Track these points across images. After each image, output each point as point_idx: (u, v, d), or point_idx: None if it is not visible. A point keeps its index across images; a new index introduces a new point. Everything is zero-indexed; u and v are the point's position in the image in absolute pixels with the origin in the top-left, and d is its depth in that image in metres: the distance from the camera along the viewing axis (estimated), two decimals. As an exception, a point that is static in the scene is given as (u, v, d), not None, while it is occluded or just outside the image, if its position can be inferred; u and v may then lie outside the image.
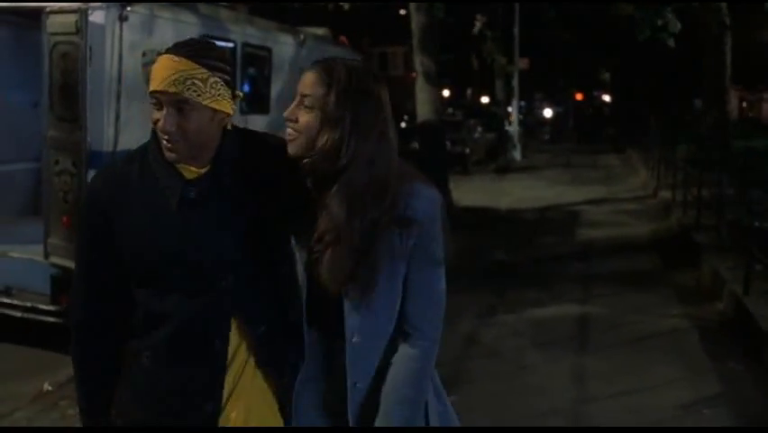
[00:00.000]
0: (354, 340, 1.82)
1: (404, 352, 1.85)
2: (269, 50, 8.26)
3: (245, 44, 7.72)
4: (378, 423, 1.83)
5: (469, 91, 45.49)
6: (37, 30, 5.87)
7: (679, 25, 11.03)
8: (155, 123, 1.81)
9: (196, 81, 1.81)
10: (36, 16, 5.78)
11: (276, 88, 8.43)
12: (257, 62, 8.18)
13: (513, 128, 26.10)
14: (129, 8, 5.73)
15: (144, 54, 5.90)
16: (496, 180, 19.18)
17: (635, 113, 31.51)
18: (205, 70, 1.82)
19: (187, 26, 6.58)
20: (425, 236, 1.81)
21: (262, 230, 1.89)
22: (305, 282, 1.86)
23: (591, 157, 26.10)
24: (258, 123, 7.84)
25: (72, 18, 5.47)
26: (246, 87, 8.07)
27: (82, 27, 5.40)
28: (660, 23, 10.88)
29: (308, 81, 1.79)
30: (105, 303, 1.91)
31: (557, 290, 7.62)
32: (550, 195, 15.61)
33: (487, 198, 15.19)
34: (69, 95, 5.56)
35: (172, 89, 1.79)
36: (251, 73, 8.18)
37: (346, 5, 11.22)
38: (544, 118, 39.51)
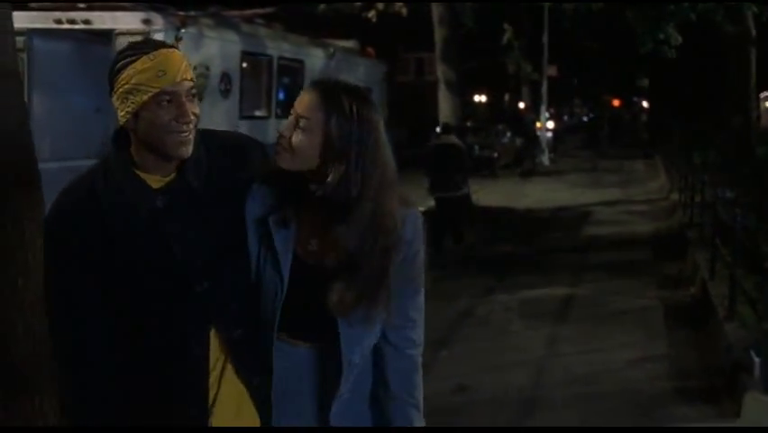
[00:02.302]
0: (350, 355, 1.84)
1: (399, 361, 1.91)
2: (301, 62, 9.39)
3: (280, 57, 8.86)
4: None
5: (506, 96, 46.31)
6: (100, 44, 7.04)
7: (680, 39, 11.88)
8: (174, 119, 1.76)
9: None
10: (106, 35, 6.98)
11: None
12: (290, 73, 9.31)
13: (542, 133, 26.97)
14: (183, 30, 6.90)
15: (195, 68, 7.06)
16: (519, 183, 20.07)
17: (666, 119, 32.06)
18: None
19: (230, 43, 7.75)
20: (412, 253, 1.86)
21: (233, 232, 1.87)
22: (279, 296, 1.85)
23: (618, 162, 26.78)
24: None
25: (137, 39, 6.64)
26: (281, 95, 9.20)
27: (145, 46, 6.57)
28: (661, 36, 11.73)
29: (307, 103, 1.78)
30: (93, 326, 1.84)
31: (551, 275, 8.60)
32: (567, 196, 16.50)
33: (507, 199, 16.12)
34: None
35: (190, 77, 1.80)
36: (285, 82, 9.31)
37: (374, 17, 12.27)
38: (575, 124, 40.14)
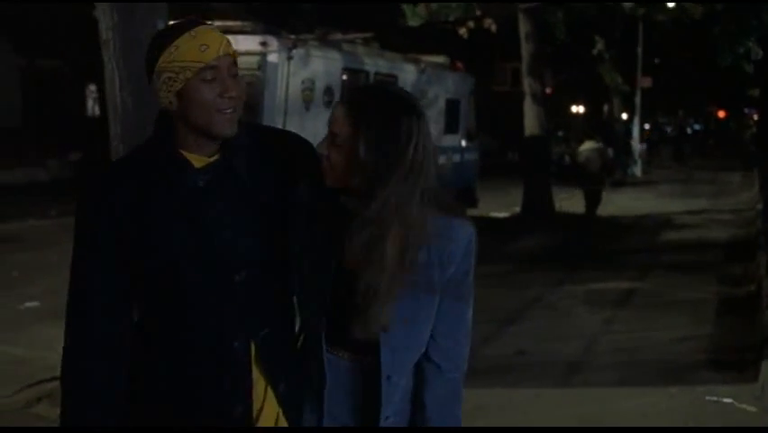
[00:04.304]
0: (390, 376, 1.77)
1: (440, 383, 1.82)
2: (395, 77, 10.49)
3: (376, 72, 9.99)
4: None
5: (606, 107, 46.27)
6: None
7: (761, 52, 12.32)
8: (219, 96, 1.71)
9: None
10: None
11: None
12: (385, 86, 10.43)
13: (635, 144, 27.23)
14: (293, 50, 8.12)
15: (303, 82, 8.28)
16: (608, 193, 20.52)
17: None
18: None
19: (333, 61, 8.94)
20: (461, 271, 1.78)
21: (275, 224, 1.80)
22: (323, 309, 1.77)
23: (714, 174, 26.75)
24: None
25: (255, 58, 7.92)
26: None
27: (262, 65, 7.84)
28: (741, 50, 12.20)
29: (337, 116, 1.72)
30: (114, 318, 1.77)
31: (620, 271, 9.35)
32: (652, 205, 16.97)
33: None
34: (251, 110, 7.99)
35: (231, 51, 1.75)
36: (381, 95, 10.44)
37: (464, 34, 13.25)
38: (669, 135, 39.80)
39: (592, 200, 13.06)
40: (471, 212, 13.08)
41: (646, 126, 37.42)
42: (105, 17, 4.88)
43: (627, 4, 15.98)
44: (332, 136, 1.72)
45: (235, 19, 10.94)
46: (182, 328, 1.78)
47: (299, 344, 1.89)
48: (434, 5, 12.89)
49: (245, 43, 8.20)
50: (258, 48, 7.94)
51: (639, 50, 26.17)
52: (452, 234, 1.76)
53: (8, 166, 15.35)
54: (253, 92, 7.93)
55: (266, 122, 7.87)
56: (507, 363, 5.78)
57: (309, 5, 21.00)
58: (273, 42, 8.10)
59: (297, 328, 1.92)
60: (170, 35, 1.73)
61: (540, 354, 6.04)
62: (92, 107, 22.93)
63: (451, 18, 13.12)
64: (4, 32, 16.37)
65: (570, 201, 16.29)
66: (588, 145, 12.99)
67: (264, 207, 1.81)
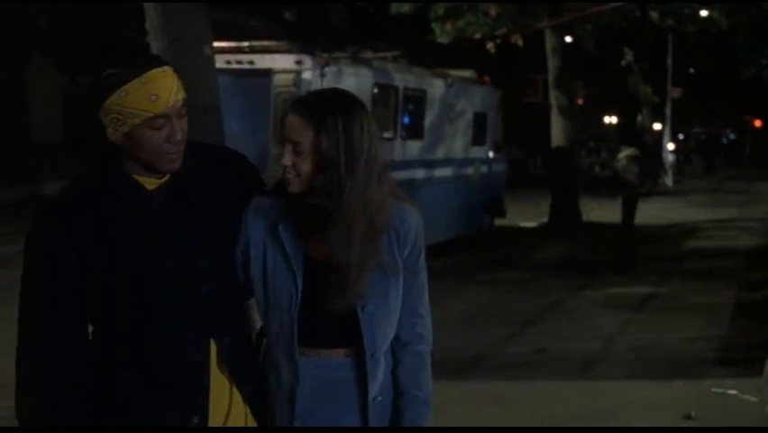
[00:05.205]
0: (374, 353, 1.89)
1: (409, 357, 1.96)
2: (423, 92, 10.96)
3: (406, 87, 10.46)
4: (402, 426, 1.95)
5: (639, 118, 46.28)
6: (251, 78, 8.76)
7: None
8: (165, 140, 1.75)
9: None
10: (266, 73, 8.79)
11: (428, 120, 11.14)
12: (414, 101, 10.89)
13: (665, 155, 27.37)
14: (326, 68, 8.63)
15: (335, 98, 8.79)
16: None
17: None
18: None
19: (364, 77, 9.43)
20: (415, 251, 1.93)
21: (227, 239, 1.87)
22: (294, 301, 1.85)
23: (746, 184, 26.76)
24: (415, 146, 10.66)
25: (291, 76, 8.45)
26: (406, 119, 10.80)
27: (297, 82, 8.36)
28: (765, 61, 12.47)
29: (296, 127, 1.80)
30: (75, 341, 1.79)
31: (640, 277, 9.68)
32: (680, 215, 17.18)
33: (618, 215, 16.99)
34: (287, 125, 8.51)
35: (182, 95, 1.78)
36: (410, 109, 10.90)
37: (492, 48, 13.70)
38: (699, 145, 39.66)
39: (630, 207, 13.47)
40: (500, 222, 13.50)
41: (681, 136, 37.36)
42: (155, 42, 5.44)
43: (654, 15, 16.27)
44: (293, 145, 1.80)
45: (270, 37, 11.53)
46: (142, 343, 1.82)
47: (263, 345, 1.97)
48: (460, 23, 13.35)
49: (281, 62, 8.74)
50: (293, 66, 8.47)
51: (669, 60, 26.41)
52: (405, 216, 1.91)
53: (50, 179, 16.09)
54: (288, 108, 8.44)
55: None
56: (527, 359, 6.19)
57: (342, 23, 21.64)
58: (307, 61, 8.62)
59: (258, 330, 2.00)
60: (121, 78, 1.72)
61: (558, 351, 6.43)
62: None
63: (478, 35, 13.56)
64: (49, 52, 17.15)
65: (598, 211, 16.60)
66: (625, 153, 13.53)
67: (216, 222, 1.87)
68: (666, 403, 5.16)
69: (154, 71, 1.73)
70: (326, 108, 1.80)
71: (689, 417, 4.86)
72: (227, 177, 1.93)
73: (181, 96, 1.78)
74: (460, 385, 5.35)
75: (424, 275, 1.98)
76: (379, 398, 1.92)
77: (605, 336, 6.92)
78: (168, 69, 1.77)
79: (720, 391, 5.35)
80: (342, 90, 1.94)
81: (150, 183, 1.82)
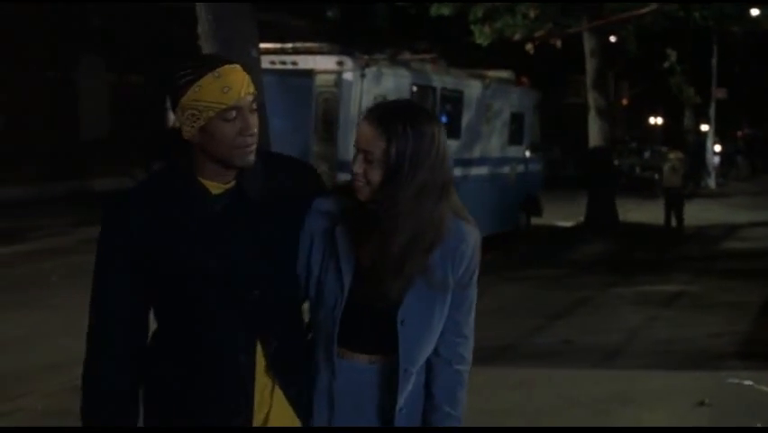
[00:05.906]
0: (406, 362, 1.90)
1: (447, 375, 1.97)
2: (460, 92, 11.26)
3: (443, 88, 10.78)
4: None
5: (685, 118, 45.79)
6: (294, 78, 9.13)
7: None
8: (239, 133, 1.81)
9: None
10: (308, 73, 9.19)
11: (465, 120, 11.45)
12: (451, 101, 11.20)
13: (708, 156, 27.19)
14: (366, 69, 9.00)
15: (375, 98, 9.13)
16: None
17: None
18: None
19: (403, 78, 9.78)
20: (469, 271, 1.94)
21: (285, 245, 1.93)
22: (339, 304, 1.90)
23: (792, 187, 26.49)
24: (452, 145, 10.97)
25: (332, 77, 8.84)
26: (443, 119, 11.12)
27: (338, 82, 8.75)
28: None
29: (368, 136, 1.85)
30: (127, 329, 1.89)
31: (671, 276, 9.88)
32: (720, 216, 17.18)
33: (657, 217, 17.07)
34: (328, 123, 8.90)
35: (252, 90, 1.83)
36: (447, 109, 11.21)
37: (531, 50, 13.92)
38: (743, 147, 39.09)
39: (678, 209, 13.78)
40: (536, 221, 13.72)
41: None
42: (206, 45, 5.89)
43: (697, 15, 16.26)
44: (365, 154, 1.85)
45: (313, 37, 11.93)
46: (191, 340, 1.89)
47: (309, 346, 2.01)
48: (498, 24, 13.60)
49: (323, 63, 9.13)
50: (334, 67, 8.85)
51: (713, 61, 26.18)
52: (464, 235, 1.92)
53: (99, 175, 16.68)
54: (330, 107, 8.84)
55: (342, 134, 8.75)
56: (553, 349, 6.47)
57: (384, 23, 21.98)
58: (348, 62, 8.99)
59: (306, 332, 2.04)
60: (195, 74, 1.79)
61: (584, 343, 6.70)
62: (173, 120, 24.26)
63: (517, 36, 13.80)
64: (98, 50, 17.80)
65: (636, 212, 16.69)
66: (673, 155, 14.17)
67: (274, 231, 1.91)
68: (682, 391, 5.40)
69: (226, 66, 1.81)
70: (398, 119, 1.84)
71: (702, 403, 5.10)
72: (292, 188, 1.96)
73: (252, 90, 1.83)
74: (489, 371, 5.63)
75: (473, 293, 1.98)
76: (404, 410, 1.94)
77: (629, 330, 7.17)
78: (238, 66, 1.84)
79: (736, 381, 5.57)
80: (416, 103, 2.05)
81: (216, 188, 1.88)
